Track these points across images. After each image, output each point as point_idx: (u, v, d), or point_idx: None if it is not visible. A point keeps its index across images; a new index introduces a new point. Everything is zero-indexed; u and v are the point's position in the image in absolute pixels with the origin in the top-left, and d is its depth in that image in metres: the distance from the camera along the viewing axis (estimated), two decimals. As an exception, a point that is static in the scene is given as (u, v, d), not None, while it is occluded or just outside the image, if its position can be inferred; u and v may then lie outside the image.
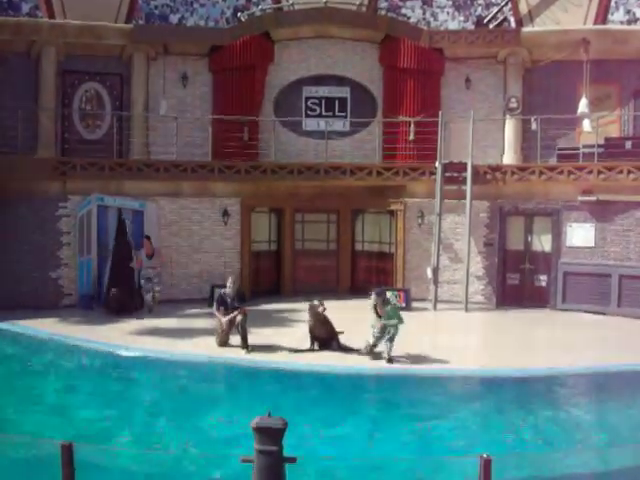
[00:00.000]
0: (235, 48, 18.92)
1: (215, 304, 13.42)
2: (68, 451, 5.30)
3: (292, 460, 5.30)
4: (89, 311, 16.05)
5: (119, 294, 15.79)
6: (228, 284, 13.43)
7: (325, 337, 12.68)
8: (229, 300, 13.26)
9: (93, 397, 10.51)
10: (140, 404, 10.40)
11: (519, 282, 17.57)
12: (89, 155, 17.68)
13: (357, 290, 18.39)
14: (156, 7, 24.27)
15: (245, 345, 12.73)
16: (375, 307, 12.04)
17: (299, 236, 19.44)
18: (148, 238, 16.63)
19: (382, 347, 11.88)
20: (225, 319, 12.87)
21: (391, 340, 11.75)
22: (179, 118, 18.38)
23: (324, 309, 12.43)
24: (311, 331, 12.67)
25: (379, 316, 11.94)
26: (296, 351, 12.48)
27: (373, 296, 12.12)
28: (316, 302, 12.51)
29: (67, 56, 18.51)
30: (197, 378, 11.45)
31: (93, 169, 17.27)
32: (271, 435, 5.21)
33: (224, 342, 13.06)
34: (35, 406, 9.85)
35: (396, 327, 11.77)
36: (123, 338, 13.47)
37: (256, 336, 13.09)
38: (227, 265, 17.94)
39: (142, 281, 16.39)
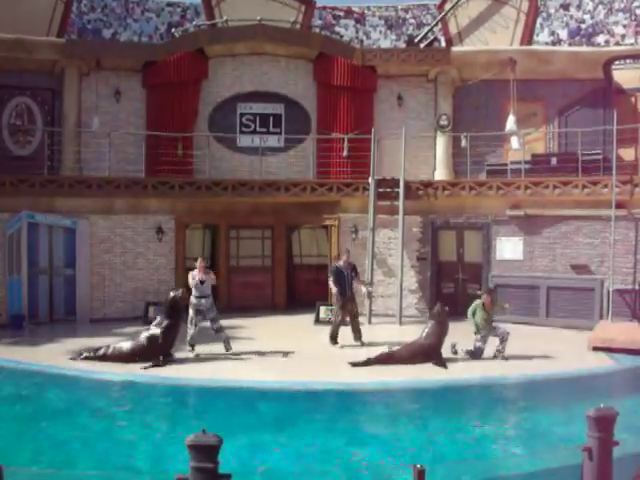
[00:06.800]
0: (169, 64, 18.90)
1: (332, 277, 13.18)
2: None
3: (227, 477, 5.33)
4: (21, 331, 15.68)
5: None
6: (343, 257, 13.36)
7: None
8: (346, 273, 13.01)
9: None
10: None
11: (454, 291, 17.97)
12: (19, 171, 17.37)
13: (295, 305, 18.49)
14: (89, 22, 24.07)
15: (359, 338, 13.27)
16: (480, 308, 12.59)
17: (234, 252, 19.43)
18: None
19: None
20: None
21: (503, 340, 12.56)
22: (112, 134, 18.23)
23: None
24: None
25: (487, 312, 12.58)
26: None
27: (484, 295, 12.77)
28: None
29: (-4, 70, 18.20)
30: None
31: (23, 186, 17.00)
32: (206, 452, 5.24)
33: (336, 335, 13.08)
34: None
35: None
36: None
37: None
38: (161, 282, 17.80)
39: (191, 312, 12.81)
